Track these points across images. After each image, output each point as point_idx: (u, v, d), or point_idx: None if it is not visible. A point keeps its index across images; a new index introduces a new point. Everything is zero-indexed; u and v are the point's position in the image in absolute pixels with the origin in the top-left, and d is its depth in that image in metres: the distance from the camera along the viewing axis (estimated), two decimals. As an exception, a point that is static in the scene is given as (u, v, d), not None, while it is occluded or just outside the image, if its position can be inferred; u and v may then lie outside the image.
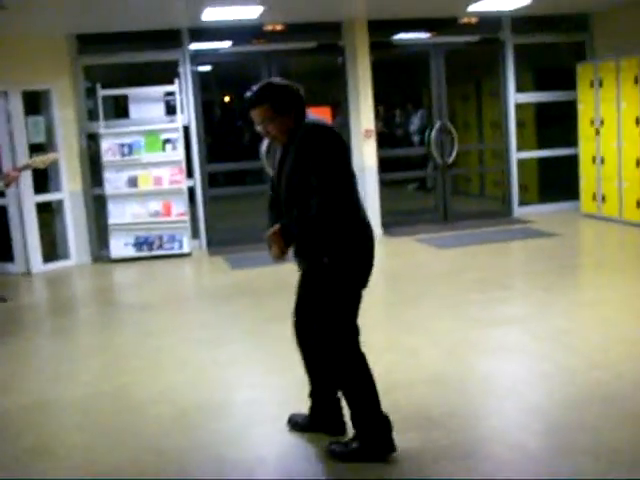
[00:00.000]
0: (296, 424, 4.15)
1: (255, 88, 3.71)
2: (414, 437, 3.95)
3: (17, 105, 9.23)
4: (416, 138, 13.71)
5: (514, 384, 4.72)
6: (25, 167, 6.72)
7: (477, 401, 4.46)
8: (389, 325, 6.32)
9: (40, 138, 9.62)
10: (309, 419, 4.12)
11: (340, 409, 4.02)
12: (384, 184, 10.71)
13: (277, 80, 3.82)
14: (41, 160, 6.64)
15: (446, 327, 5.94)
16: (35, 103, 9.68)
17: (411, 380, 4.80)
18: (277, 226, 3.63)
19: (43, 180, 9.66)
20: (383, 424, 3.73)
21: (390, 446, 3.73)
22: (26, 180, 9.01)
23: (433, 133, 10.88)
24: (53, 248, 9.93)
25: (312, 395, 4.09)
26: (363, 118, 10.25)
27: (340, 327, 3.72)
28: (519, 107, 11.18)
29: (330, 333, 3.71)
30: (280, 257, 3.69)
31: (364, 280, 3.79)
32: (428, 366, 5.06)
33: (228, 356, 5.62)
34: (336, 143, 3.64)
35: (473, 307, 6.45)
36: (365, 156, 10.31)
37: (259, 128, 3.74)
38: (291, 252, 3.75)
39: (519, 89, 11.10)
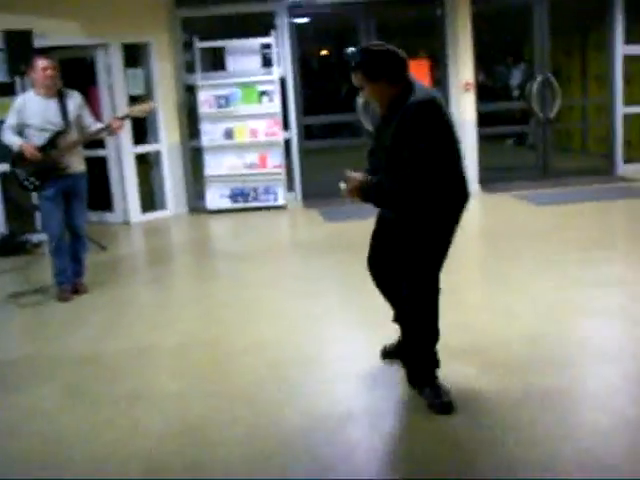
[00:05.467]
0: (389, 353, 4.41)
1: (353, 51, 3.83)
2: (510, 396, 3.87)
3: (117, 57, 9.36)
4: (516, 92, 13.34)
5: (614, 349, 4.55)
6: (125, 116, 6.79)
7: (575, 364, 4.31)
8: (486, 283, 6.19)
9: (139, 90, 9.74)
10: (398, 344, 4.31)
11: None
12: (482, 139, 10.46)
13: (375, 45, 3.79)
14: (139, 109, 6.68)
15: (545, 286, 5.77)
16: (134, 56, 9.79)
17: (508, 339, 4.69)
18: (358, 181, 3.78)
19: (142, 132, 9.81)
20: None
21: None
22: (125, 132, 9.15)
23: (535, 87, 10.52)
24: (151, 199, 10.10)
25: (396, 319, 4.27)
26: (462, 71, 10.00)
27: (434, 272, 3.82)
28: (627, 60, 10.68)
29: (426, 277, 3.81)
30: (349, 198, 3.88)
31: (452, 234, 3.85)
32: (526, 326, 4.93)
33: (321, 309, 5.61)
34: (438, 120, 3.63)
35: (573, 266, 6.25)
36: (463, 110, 10.08)
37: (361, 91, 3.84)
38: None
39: (628, 41, 10.59)
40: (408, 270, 3.84)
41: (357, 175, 3.81)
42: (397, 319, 4.29)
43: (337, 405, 3.95)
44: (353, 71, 3.72)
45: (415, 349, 3.93)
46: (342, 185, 3.86)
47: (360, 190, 3.77)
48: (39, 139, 6.10)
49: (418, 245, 3.77)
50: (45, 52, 7.01)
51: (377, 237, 4.16)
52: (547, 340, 4.67)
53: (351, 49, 3.80)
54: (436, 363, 3.92)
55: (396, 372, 4.23)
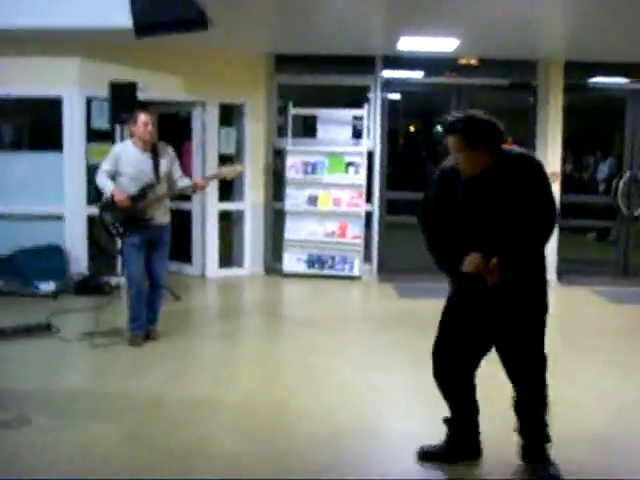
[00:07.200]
0: (429, 455, 4.15)
1: (456, 116, 3.73)
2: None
3: (213, 116, 9.67)
4: (602, 186, 13.24)
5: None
6: (213, 177, 7.00)
7: (640, 468, 4.21)
8: (554, 376, 6.06)
9: (230, 149, 10.01)
10: (446, 446, 4.16)
11: (478, 432, 4.13)
12: (563, 230, 10.36)
13: (479, 114, 3.76)
14: (228, 172, 6.88)
15: (614, 386, 5.65)
16: (228, 115, 10.09)
17: (572, 436, 4.58)
18: (496, 259, 3.68)
19: (227, 189, 10.05)
20: None
21: None
22: (212, 188, 9.39)
23: (622, 183, 10.44)
24: (229, 255, 10.28)
25: (451, 422, 4.18)
26: (550, 160, 9.98)
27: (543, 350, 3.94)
28: None
29: (542, 357, 3.97)
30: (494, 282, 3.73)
31: None
32: (591, 424, 4.83)
33: (386, 383, 5.60)
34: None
35: (643, 370, 6.11)
36: (547, 199, 10.00)
37: (453, 155, 3.77)
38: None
39: None
40: (527, 349, 3.89)
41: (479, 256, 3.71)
42: (454, 420, 4.17)
43: (392, 482, 3.93)
44: (451, 134, 3.68)
45: (537, 424, 3.95)
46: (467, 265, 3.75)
47: (499, 265, 3.68)
48: (130, 188, 6.34)
49: (537, 309, 3.87)
50: (146, 105, 7.31)
51: (460, 333, 4.07)
52: (613, 442, 4.56)
53: (453, 114, 3.75)
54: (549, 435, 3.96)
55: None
